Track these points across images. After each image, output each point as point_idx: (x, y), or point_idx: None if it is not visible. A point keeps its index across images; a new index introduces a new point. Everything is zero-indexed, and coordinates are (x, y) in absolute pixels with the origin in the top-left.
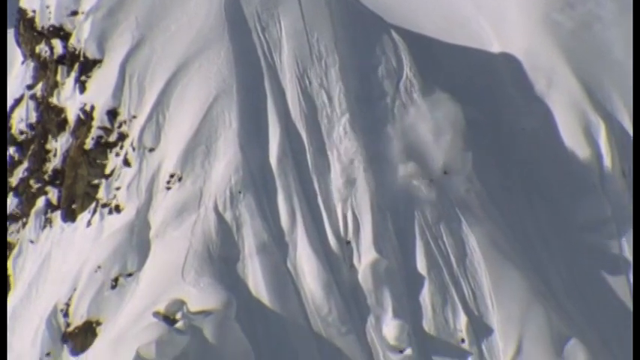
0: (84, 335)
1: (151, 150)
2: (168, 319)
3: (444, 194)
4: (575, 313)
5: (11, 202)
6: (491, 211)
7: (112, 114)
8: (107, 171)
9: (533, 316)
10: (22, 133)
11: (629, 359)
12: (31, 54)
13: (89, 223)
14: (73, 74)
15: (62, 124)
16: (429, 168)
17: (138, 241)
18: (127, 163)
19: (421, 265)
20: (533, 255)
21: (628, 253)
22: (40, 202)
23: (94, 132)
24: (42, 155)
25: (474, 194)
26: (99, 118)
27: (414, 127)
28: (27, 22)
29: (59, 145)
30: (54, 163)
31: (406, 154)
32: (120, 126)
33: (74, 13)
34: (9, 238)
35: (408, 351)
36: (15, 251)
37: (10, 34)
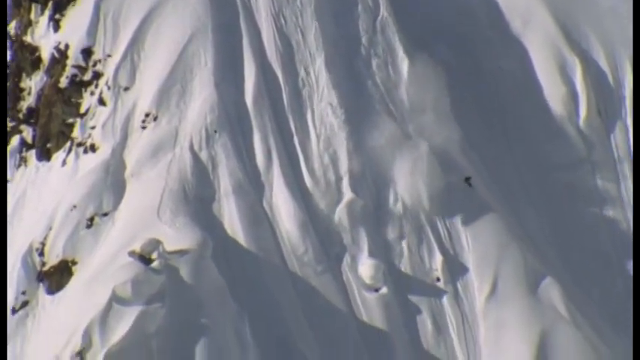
0: (59, 274)
1: (126, 89)
2: (144, 258)
3: (421, 136)
4: (550, 252)
5: None
6: (468, 152)
7: (87, 53)
8: (82, 110)
9: (508, 255)
10: None
11: (605, 299)
12: None
13: (64, 163)
14: (47, 12)
15: (36, 63)
16: (406, 110)
17: (113, 181)
18: (102, 102)
19: (397, 205)
20: (510, 195)
21: (603, 192)
22: (15, 140)
23: (69, 71)
24: (16, 94)
25: (450, 133)
26: (73, 57)
27: (391, 67)
28: None
29: (33, 83)
30: (28, 101)
31: (382, 93)
32: (95, 65)
33: None
34: None
35: (384, 290)
36: None
37: None
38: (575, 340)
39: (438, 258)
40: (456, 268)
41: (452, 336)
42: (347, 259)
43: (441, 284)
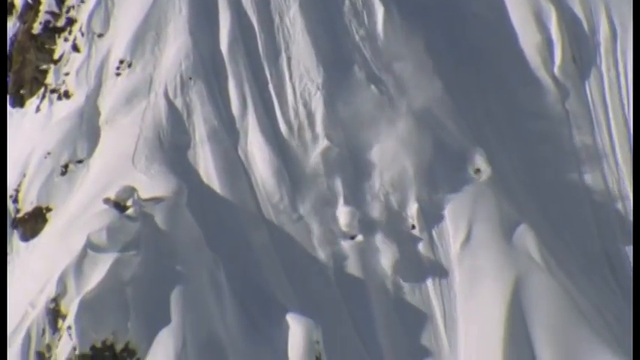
0: (34, 221)
1: (100, 35)
2: (119, 205)
3: (395, 81)
4: (525, 199)
5: None
6: (443, 98)
7: None
8: (56, 56)
9: (483, 202)
10: None
11: (579, 246)
12: None
13: (38, 109)
14: None
15: (9, 9)
16: (380, 53)
17: (87, 128)
18: (75, 48)
19: (372, 152)
20: (485, 142)
21: (577, 139)
22: None
23: (42, 17)
24: None
25: (425, 80)
26: (47, 3)
27: (366, 15)
28: None
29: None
30: None
31: (357, 40)
32: (68, 11)
33: None
34: None
35: (359, 237)
36: None
37: None
38: (548, 286)
39: (413, 206)
40: (430, 216)
41: (427, 283)
42: (323, 206)
43: (416, 232)
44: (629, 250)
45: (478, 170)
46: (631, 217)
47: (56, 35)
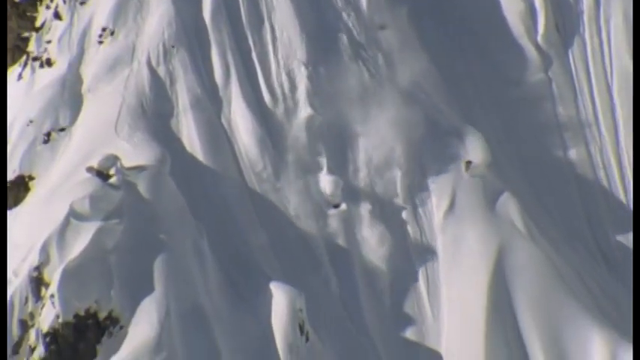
0: (17, 189)
1: (82, 3)
2: (102, 174)
3: (380, 51)
4: (508, 167)
5: None
6: (424, 62)
7: None
8: (37, 24)
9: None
10: None
11: (562, 214)
12: None
13: (20, 77)
14: None
15: None
16: (364, 22)
17: (70, 96)
18: (57, 16)
19: (354, 119)
20: (468, 111)
21: (561, 107)
22: None
23: None
24: None
25: (409, 48)
26: None
27: None
28: None
29: None
30: None
31: (340, 9)
32: None
33: None
34: None
35: (343, 206)
36: None
37: None
38: (531, 253)
39: (397, 175)
40: (414, 185)
41: (410, 252)
42: (306, 175)
43: (399, 200)
44: (611, 217)
45: (469, 163)
46: (614, 186)
47: (38, 2)
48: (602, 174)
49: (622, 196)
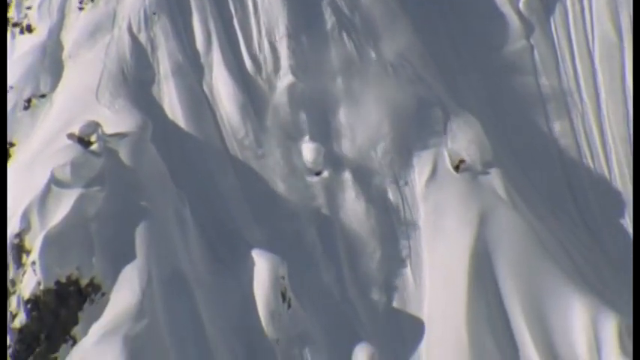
0: None
1: None
2: (83, 141)
3: (363, 18)
4: (490, 135)
5: None
6: (407, 31)
7: None
8: None
9: (449, 138)
10: None
11: (543, 182)
12: None
13: None
14: None
15: None
16: None
17: (50, 62)
18: None
19: (337, 88)
20: (449, 77)
21: (542, 72)
22: None
23: None
24: None
25: (393, 18)
26: None
27: None
28: None
29: None
30: None
31: None
32: None
33: None
34: None
35: (325, 173)
36: None
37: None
38: (513, 221)
39: (380, 142)
40: (396, 153)
41: (392, 219)
42: (288, 142)
43: (382, 168)
44: (593, 185)
45: (462, 161)
46: (596, 154)
47: None
48: (583, 142)
49: (603, 164)
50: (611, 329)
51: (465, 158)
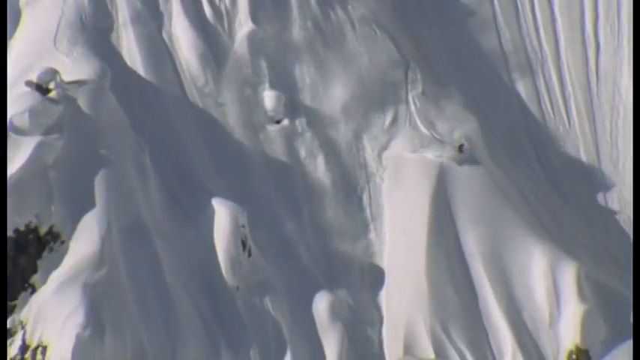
0: None
1: None
2: (41, 88)
3: None
4: (451, 84)
5: None
6: None
7: None
8: None
9: (410, 88)
10: None
11: (503, 128)
12: None
13: None
14: None
15: None
16: None
17: (8, 8)
18: None
19: (298, 36)
20: (408, 23)
21: (502, 22)
22: None
23: None
24: None
25: None
26: None
27: None
28: None
29: None
30: None
31: None
32: None
33: None
34: None
35: (285, 122)
36: None
37: None
38: (473, 169)
39: (341, 91)
40: (357, 102)
41: (352, 169)
42: (248, 90)
43: (343, 117)
44: (553, 132)
45: (462, 145)
46: (555, 100)
47: None
48: (543, 90)
49: (563, 113)
50: (570, 276)
51: (463, 142)
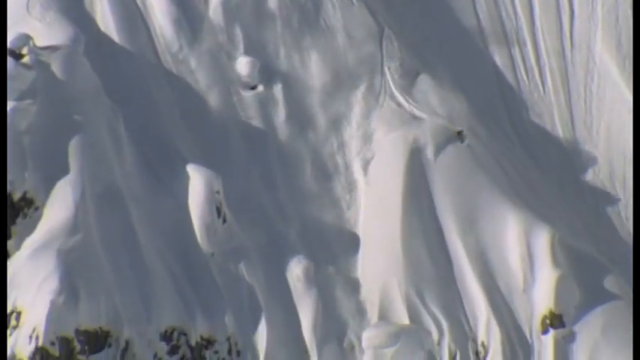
0: None
1: None
2: (14, 53)
3: None
4: (427, 51)
5: None
6: None
7: None
8: None
9: (385, 53)
10: None
11: (478, 94)
12: None
13: None
14: None
15: None
16: None
17: None
18: None
19: (273, 4)
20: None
21: None
22: None
23: None
24: None
25: None
26: None
27: None
28: None
29: None
30: None
31: None
32: None
33: None
34: None
35: (260, 88)
36: None
37: None
38: (447, 135)
39: (314, 56)
40: (332, 69)
41: (327, 135)
42: (222, 56)
43: (317, 83)
44: (527, 99)
45: (460, 132)
46: (529, 66)
47: None
48: (518, 56)
49: (537, 78)
50: (544, 242)
51: (461, 129)
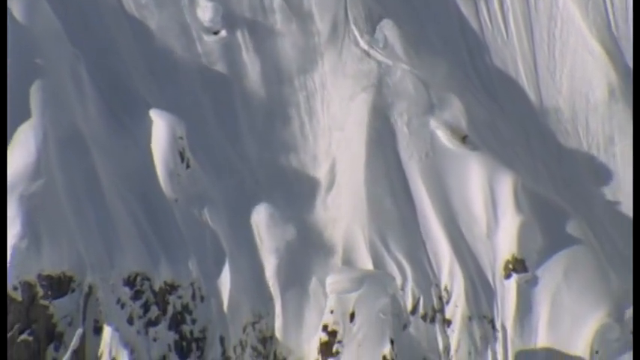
0: None
1: None
2: None
3: None
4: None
5: None
6: None
7: None
8: None
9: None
10: None
11: (441, 38)
12: None
13: None
14: None
15: None
16: None
17: None
18: None
19: None
20: None
21: None
22: None
23: None
24: None
25: None
26: None
27: None
28: None
29: None
30: None
31: None
32: None
33: None
34: None
35: (223, 33)
36: None
37: None
38: (410, 78)
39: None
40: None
41: (291, 79)
42: (185, 1)
43: (281, 27)
44: (490, 43)
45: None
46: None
47: None
48: (481, 1)
49: (501, 22)
50: (507, 187)
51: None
